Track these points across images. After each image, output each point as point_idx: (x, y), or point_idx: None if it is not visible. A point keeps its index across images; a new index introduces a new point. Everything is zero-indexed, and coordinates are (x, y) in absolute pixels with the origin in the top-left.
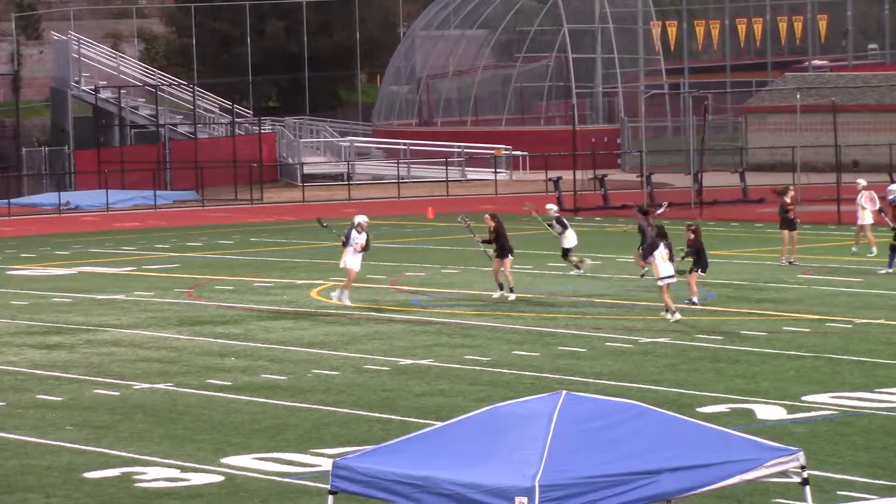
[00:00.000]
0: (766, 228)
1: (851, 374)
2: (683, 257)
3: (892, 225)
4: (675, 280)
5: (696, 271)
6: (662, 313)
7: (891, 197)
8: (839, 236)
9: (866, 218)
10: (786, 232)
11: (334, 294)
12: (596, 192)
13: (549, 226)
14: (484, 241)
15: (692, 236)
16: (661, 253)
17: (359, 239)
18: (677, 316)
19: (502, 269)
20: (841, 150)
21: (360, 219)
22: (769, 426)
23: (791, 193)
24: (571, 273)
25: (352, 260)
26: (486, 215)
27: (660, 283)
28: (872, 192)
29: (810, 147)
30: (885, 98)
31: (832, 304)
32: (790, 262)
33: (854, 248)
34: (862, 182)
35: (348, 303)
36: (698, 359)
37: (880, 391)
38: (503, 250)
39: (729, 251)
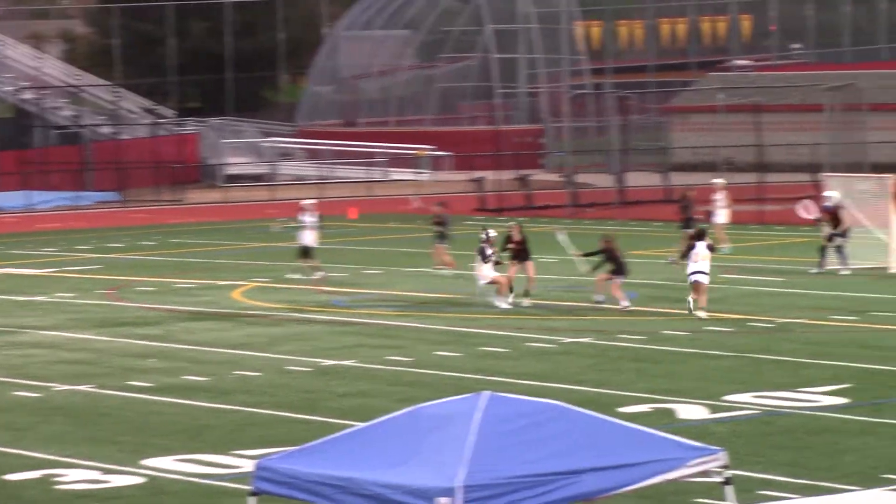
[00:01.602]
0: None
1: (773, 373)
2: (595, 267)
3: (829, 231)
4: (706, 278)
5: (617, 278)
6: (696, 312)
7: (827, 203)
8: (761, 236)
9: (721, 217)
10: (687, 231)
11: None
12: (519, 192)
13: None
14: (589, 254)
15: (604, 244)
16: (697, 252)
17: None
18: (701, 314)
19: (523, 273)
20: (764, 149)
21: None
22: (691, 426)
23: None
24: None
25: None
26: (513, 223)
27: (690, 278)
28: (809, 201)
29: (733, 147)
30: (809, 98)
31: (754, 304)
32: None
33: (725, 248)
34: (720, 181)
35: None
36: (620, 359)
37: (802, 390)
38: (618, 270)
39: (651, 251)
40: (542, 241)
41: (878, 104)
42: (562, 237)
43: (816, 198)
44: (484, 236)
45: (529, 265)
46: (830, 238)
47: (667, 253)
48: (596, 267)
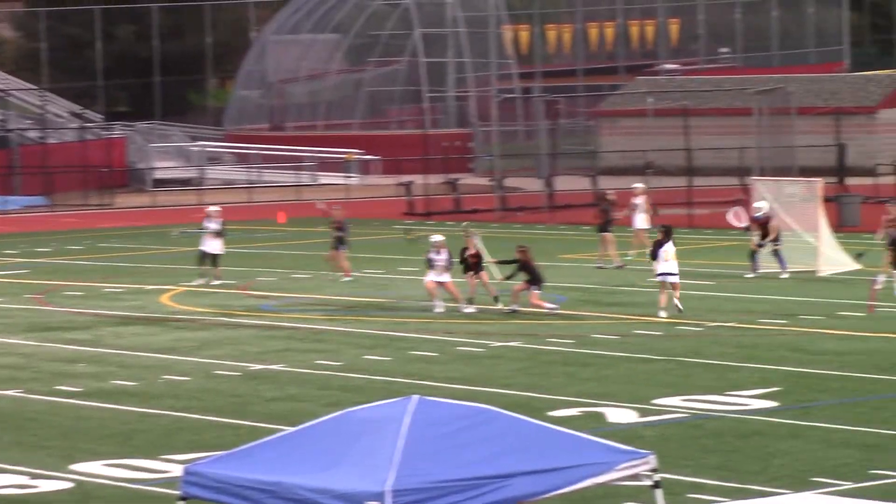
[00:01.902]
0: (618, 232)
1: (702, 377)
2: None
3: (759, 241)
4: (676, 277)
5: (533, 289)
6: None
7: (757, 214)
8: (690, 240)
9: (641, 221)
10: (606, 234)
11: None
12: (448, 196)
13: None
14: (503, 261)
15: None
16: (667, 252)
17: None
18: (680, 305)
19: (478, 281)
20: (692, 153)
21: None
22: (620, 429)
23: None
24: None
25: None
26: (464, 225)
27: (659, 278)
28: (739, 208)
29: (661, 151)
30: (736, 102)
31: (683, 307)
32: (601, 266)
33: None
34: (640, 185)
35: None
36: (549, 362)
37: (731, 394)
38: (533, 280)
39: (580, 255)
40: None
41: (806, 108)
42: (477, 241)
43: (746, 204)
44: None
45: (484, 275)
46: (760, 245)
47: (595, 257)
48: (510, 275)
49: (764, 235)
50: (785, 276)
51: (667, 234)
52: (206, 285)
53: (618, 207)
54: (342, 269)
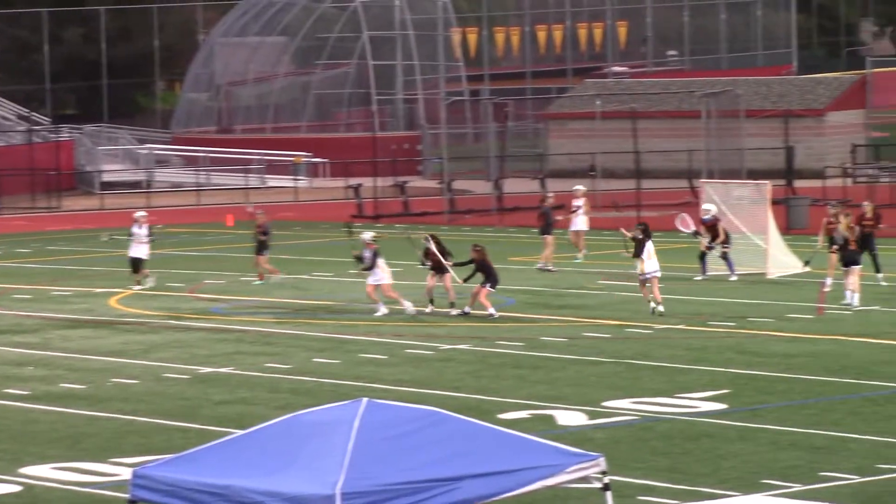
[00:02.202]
0: (565, 235)
1: (652, 379)
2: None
3: (708, 245)
4: (659, 275)
5: (486, 287)
6: (655, 307)
7: (705, 216)
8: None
9: (581, 224)
10: (547, 237)
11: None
12: (397, 198)
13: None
14: (460, 264)
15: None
16: (649, 251)
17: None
18: (661, 308)
19: (440, 283)
20: (640, 156)
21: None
22: (570, 432)
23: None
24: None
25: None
26: (426, 234)
27: (642, 277)
28: (686, 214)
29: (610, 153)
30: (684, 104)
31: (632, 310)
32: (549, 269)
33: (579, 257)
34: (580, 188)
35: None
36: (499, 365)
37: (680, 396)
38: (440, 269)
39: (529, 257)
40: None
41: (755, 110)
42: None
43: (692, 209)
44: (367, 239)
45: (447, 277)
46: (709, 247)
47: (541, 259)
48: (469, 277)
49: (713, 238)
50: (733, 278)
51: (646, 233)
52: (147, 287)
53: (561, 211)
54: (270, 272)
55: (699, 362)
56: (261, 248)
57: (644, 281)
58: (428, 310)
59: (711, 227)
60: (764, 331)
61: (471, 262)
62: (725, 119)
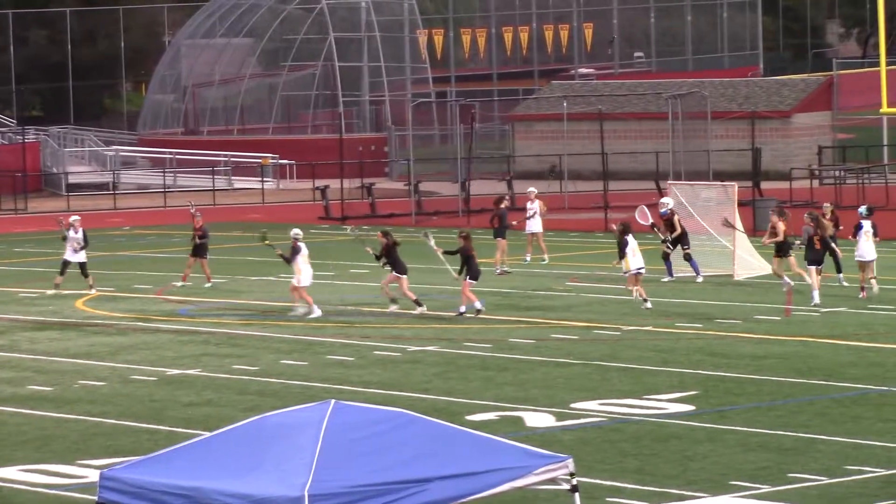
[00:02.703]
0: (524, 237)
1: (620, 380)
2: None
3: (662, 237)
4: (644, 271)
5: (467, 280)
6: (641, 304)
7: (662, 210)
8: (606, 244)
9: (535, 226)
10: (501, 240)
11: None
12: (363, 200)
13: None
14: (377, 256)
15: (462, 242)
16: (632, 247)
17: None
18: (648, 304)
19: (395, 284)
20: (607, 157)
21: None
22: (538, 433)
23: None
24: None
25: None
26: (379, 232)
27: (638, 271)
28: (645, 207)
29: (577, 155)
30: (651, 106)
31: (600, 312)
32: (505, 271)
33: (527, 258)
34: (534, 190)
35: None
36: (467, 367)
37: (648, 398)
38: (396, 267)
39: (496, 259)
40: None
41: (721, 112)
42: (431, 242)
43: (652, 205)
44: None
45: (404, 279)
46: (666, 245)
47: (507, 261)
48: (461, 270)
49: (670, 232)
50: (699, 280)
51: (626, 230)
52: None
53: (516, 214)
54: (206, 275)
55: (667, 364)
56: (200, 250)
57: (634, 277)
58: (392, 308)
59: (668, 220)
60: (732, 332)
61: (459, 250)
62: (692, 121)
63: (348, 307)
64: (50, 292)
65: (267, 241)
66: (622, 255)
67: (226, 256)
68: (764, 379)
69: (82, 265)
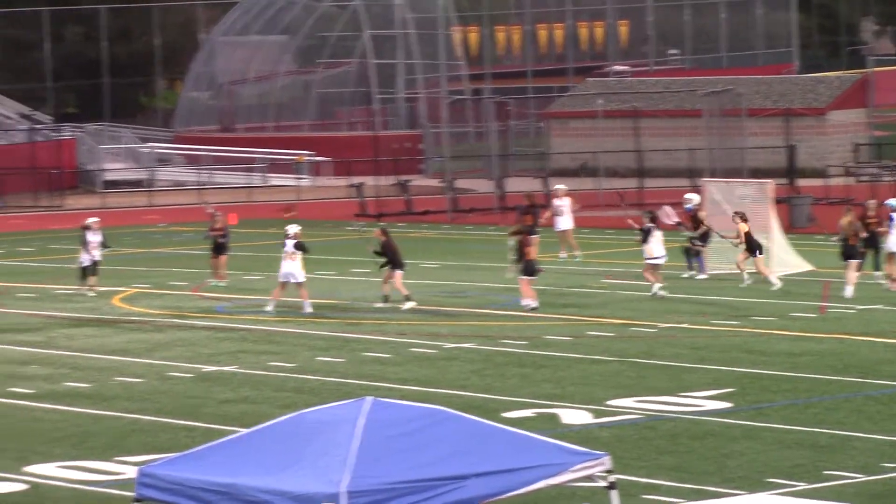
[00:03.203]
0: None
1: (656, 378)
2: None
3: (688, 234)
4: (664, 261)
5: (396, 271)
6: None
7: (687, 206)
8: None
9: (565, 223)
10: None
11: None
12: (399, 197)
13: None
14: (376, 252)
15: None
16: (657, 238)
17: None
18: (662, 293)
19: (391, 280)
20: (642, 155)
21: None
22: (575, 430)
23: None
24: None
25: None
26: (376, 230)
27: (650, 261)
28: (668, 207)
29: (612, 152)
30: (686, 103)
31: (636, 309)
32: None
33: (562, 255)
34: (562, 187)
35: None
36: (504, 364)
37: (685, 395)
38: (394, 264)
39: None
40: (423, 247)
41: (756, 109)
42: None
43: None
44: (290, 232)
45: (398, 274)
46: (692, 241)
47: (543, 258)
48: (384, 264)
49: (695, 228)
50: (703, 276)
51: (654, 218)
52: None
53: (544, 211)
54: (222, 275)
55: (704, 361)
56: (220, 249)
57: (653, 265)
58: (379, 304)
59: (693, 216)
60: (768, 329)
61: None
62: (727, 118)
63: (385, 304)
64: (92, 294)
65: (363, 232)
66: (644, 240)
67: (262, 254)
68: (800, 376)
69: (96, 263)
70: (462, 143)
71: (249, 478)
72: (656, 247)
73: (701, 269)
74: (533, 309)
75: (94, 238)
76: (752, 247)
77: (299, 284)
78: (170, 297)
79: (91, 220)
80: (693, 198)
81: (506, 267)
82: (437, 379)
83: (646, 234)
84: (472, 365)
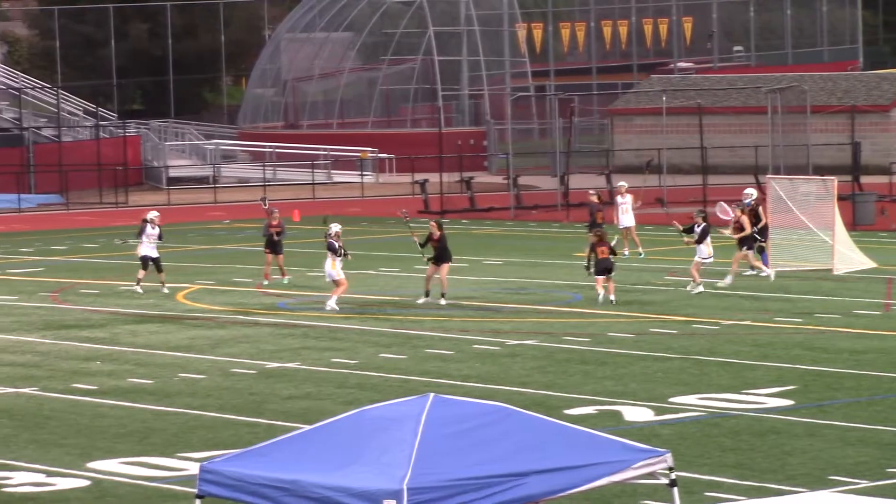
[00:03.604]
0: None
1: (718, 375)
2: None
3: (757, 237)
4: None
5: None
6: (694, 288)
7: (746, 201)
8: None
9: (628, 220)
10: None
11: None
12: (463, 194)
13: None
14: (421, 244)
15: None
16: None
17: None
18: (700, 288)
19: (437, 274)
20: (706, 151)
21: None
22: (637, 428)
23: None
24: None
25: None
26: (432, 222)
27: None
28: (724, 203)
29: (676, 149)
30: (750, 100)
31: (699, 306)
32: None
33: (626, 252)
34: (624, 184)
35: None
36: (566, 361)
37: (747, 392)
38: (441, 258)
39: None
40: (485, 244)
41: (821, 106)
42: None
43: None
44: (332, 231)
45: (445, 267)
46: (757, 238)
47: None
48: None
49: (756, 223)
50: (767, 273)
51: (706, 218)
52: (142, 293)
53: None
54: (267, 275)
55: (766, 358)
56: (275, 246)
57: (700, 264)
58: (421, 300)
59: (753, 211)
60: (831, 327)
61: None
62: (791, 115)
63: (447, 300)
64: (139, 289)
65: (410, 225)
66: (700, 240)
67: (323, 251)
68: (863, 374)
69: (156, 260)
70: (526, 140)
71: (311, 474)
72: (706, 247)
73: (765, 264)
74: (609, 302)
75: (152, 231)
76: (745, 240)
77: (333, 282)
78: (233, 294)
79: (152, 215)
80: (751, 193)
81: (583, 265)
82: (499, 376)
83: (703, 234)
84: (534, 362)
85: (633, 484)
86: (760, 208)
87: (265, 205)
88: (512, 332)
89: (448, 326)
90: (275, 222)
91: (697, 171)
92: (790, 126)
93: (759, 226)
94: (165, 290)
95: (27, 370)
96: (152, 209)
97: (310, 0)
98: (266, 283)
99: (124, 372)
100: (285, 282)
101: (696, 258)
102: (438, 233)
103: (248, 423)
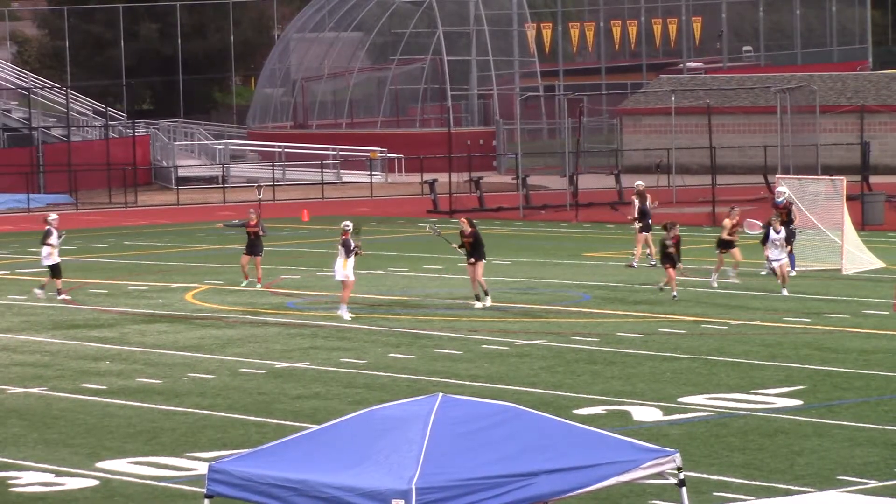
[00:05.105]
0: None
1: (727, 375)
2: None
3: (791, 229)
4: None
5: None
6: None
7: (779, 199)
8: (714, 238)
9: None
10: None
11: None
12: (472, 194)
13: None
14: (460, 246)
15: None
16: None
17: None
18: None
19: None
20: (716, 151)
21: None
22: (645, 427)
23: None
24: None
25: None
26: (462, 219)
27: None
28: (750, 219)
29: (685, 149)
30: (759, 100)
31: (707, 306)
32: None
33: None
34: (641, 184)
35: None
36: (574, 361)
37: (756, 392)
38: (473, 253)
39: (604, 253)
40: (494, 244)
41: (830, 106)
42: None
43: (767, 204)
44: (347, 227)
45: (479, 267)
46: (793, 230)
47: (616, 255)
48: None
49: (789, 222)
50: (792, 273)
51: (769, 223)
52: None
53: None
54: (257, 276)
55: (775, 358)
56: (255, 248)
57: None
58: (478, 305)
59: (785, 208)
60: (840, 327)
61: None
62: (800, 115)
63: (456, 300)
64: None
65: (444, 237)
66: (764, 242)
67: (334, 250)
68: (872, 374)
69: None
70: (535, 140)
71: (320, 474)
72: (774, 250)
73: (791, 266)
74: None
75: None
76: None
77: (341, 283)
78: (242, 294)
79: (51, 217)
80: (784, 190)
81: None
82: (508, 376)
83: (766, 236)
84: (542, 362)
85: (641, 484)
86: (794, 207)
87: (259, 193)
88: (521, 332)
89: (457, 326)
90: (253, 223)
91: (706, 170)
92: (799, 126)
93: (793, 225)
94: (37, 292)
95: (36, 370)
96: (165, 211)
97: (319, 0)
98: (245, 283)
99: (133, 372)
100: (259, 287)
101: (771, 262)
102: (470, 229)
103: (256, 422)
